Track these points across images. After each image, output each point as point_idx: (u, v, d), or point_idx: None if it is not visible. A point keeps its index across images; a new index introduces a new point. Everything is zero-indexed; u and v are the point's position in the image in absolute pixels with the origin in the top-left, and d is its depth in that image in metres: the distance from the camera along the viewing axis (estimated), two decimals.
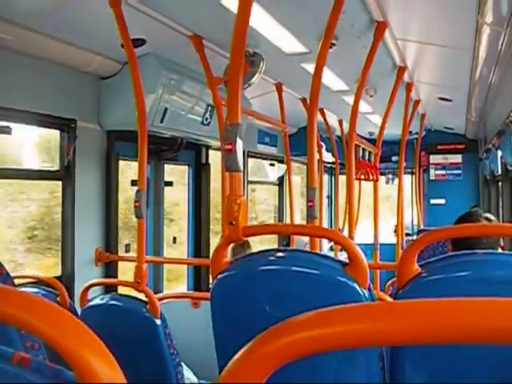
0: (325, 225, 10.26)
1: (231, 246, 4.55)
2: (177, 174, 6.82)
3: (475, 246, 2.31)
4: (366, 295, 1.95)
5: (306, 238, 6.87)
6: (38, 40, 3.93)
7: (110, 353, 0.73)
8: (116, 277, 5.14)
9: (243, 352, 0.70)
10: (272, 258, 2.12)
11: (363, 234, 8.35)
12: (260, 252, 2.21)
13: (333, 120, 8.55)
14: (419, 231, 6.96)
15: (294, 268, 2.04)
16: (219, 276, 2.17)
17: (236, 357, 0.71)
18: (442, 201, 11.16)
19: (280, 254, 2.13)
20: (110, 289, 4.67)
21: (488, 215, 2.83)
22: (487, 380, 1.64)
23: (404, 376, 1.79)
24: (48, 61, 4.23)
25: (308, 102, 4.13)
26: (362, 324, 0.66)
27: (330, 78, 5.84)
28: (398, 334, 0.65)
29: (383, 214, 7.98)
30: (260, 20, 4.00)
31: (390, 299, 4.15)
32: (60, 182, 4.63)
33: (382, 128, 6.32)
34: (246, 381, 0.69)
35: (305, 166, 9.82)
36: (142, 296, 3.38)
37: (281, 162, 8.80)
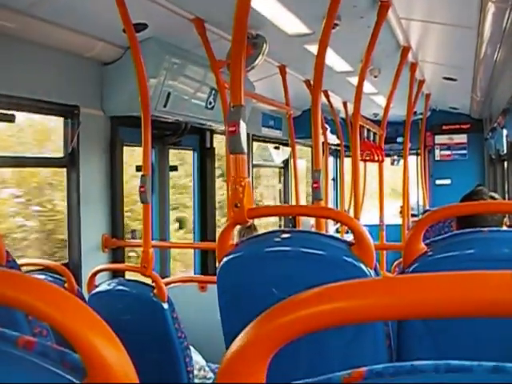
0: (330, 207, 10.25)
1: (238, 228, 4.56)
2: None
3: (480, 224, 2.30)
4: (372, 275, 1.95)
5: (312, 221, 6.87)
6: (39, 26, 3.91)
7: (115, 336, 0.73)
8: (123, 262, 5.16)
9: (248, 329, 0.70)
10: (278, 239, 2.12)
11: (369, 216, 8.35)
12: (265, 233, 2.21)
13: (337, 102, 8.51)
14: (425, 211, 6.95)
15: (300, 249, 2.04)
16: (225, 258, 2.17)
17: (241, 334, 0.70)
18: (448, 181, 11.13)
19: (285, 235, 2.13)
20: (117, 274, 4.69)
21: (492, 194, 2.83)
22: (495, 354, 1.64)
23: (411, 353, 1.79)
24: (50, 47, 4.21)
25: (312, 83, 4.11)
26: (367, 299, 0.66)
27: (333, 59, 5.80)
28: (402, 308, 0.65)
29: (388, 194, 7.96)
30: (262, 1, 3.97)
31: None
32: (64, 169, 4.63)
33: (387, 109, 6.29)
34: (251, 358, 0.69)
35: (309, 149, 9.81)
36: (148, 281, 3.39)
37: (285, 145, 8.78)
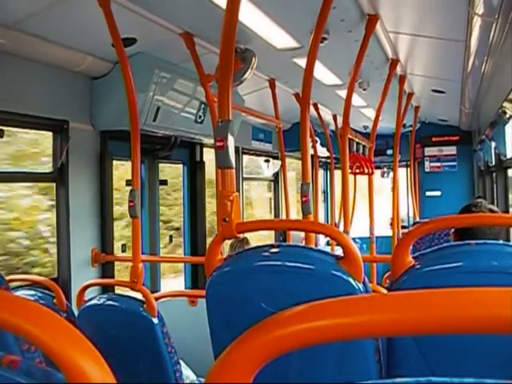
0: (321, 220, 10.26)
1: (230, 242, 4.56)
2: None
3: (477, 237, 2.30)
4: (361, 289, 1.95)
5: (303, 234, 6.87)
6: (28, 41, 3.91)
7: (99, 354, 0.73)
8: (113, 277, 5.14)
9: (234, 344, 0.70)
10: (266, 253, 2.11)
11: (360, 228, 8.35)
12: (254, 248, 2.21)
13: (327, 115, 8.54)
14: (415, 223, 6.97)
15: (288, 263, 2.04)
16: (214, 273, 2.17)
17: (227, 349, 0.70)
18: (438, 193, 11.18)
19: (274, 250, 2.13)
20: (106, 289, 4.67)
21: (491, 206, 2.82)
22: (483, 369, 1.64)
23: (400, 368, 1.79)
24: (39, 62, 4.21)
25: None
26: (354, 316, 0.66)
27: (322, 73, 5.83)
28: (390, 325, 0.65)
29: (378, 207, 7.97)
30: (251, 16, 3.99)
31: (385, 292, 4.15)
32: (54, 184, 4.62)
33: (376, 121, 6.32)
34: (236, 372, 0.69)
35: (300, 162, 9.81)
36: (138, 295, 3.37)
37: (275, 158, 8.79)
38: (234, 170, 2.50)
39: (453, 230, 2.77)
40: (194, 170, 6.63)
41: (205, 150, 6.75)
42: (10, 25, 3.68)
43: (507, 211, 6.59)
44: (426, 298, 0.66)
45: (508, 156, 5.96)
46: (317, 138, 8.72)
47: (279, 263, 2.06)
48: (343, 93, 5.80)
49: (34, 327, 0.71)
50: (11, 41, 3.80)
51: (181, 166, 6.65)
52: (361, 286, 1.95)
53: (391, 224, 7.76)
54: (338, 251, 2.20)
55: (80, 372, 0.69)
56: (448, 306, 0.63)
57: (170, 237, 6.70)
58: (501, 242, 2.06)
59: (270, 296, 1.99)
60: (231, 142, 2.43)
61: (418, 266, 1.80)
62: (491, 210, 2.77)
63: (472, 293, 0.64)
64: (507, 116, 4.97)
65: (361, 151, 7.28)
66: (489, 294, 0.63)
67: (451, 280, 1.73)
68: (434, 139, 11.22)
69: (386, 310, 0.65)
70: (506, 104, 4.63)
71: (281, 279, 2.03)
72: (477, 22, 3.76)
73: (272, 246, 2.17)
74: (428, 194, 11.30)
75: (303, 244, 4.11)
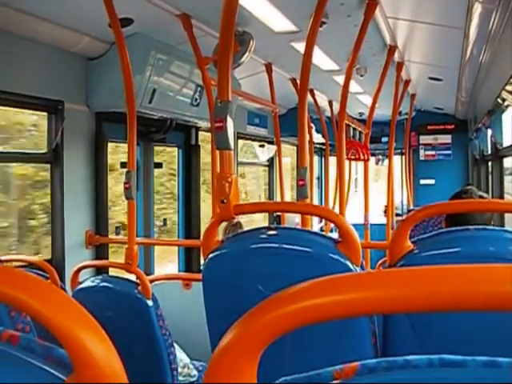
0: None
1: (223, 226, 4.55)
2: None
3: (469, 223, 2.30)
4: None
5: (297, 219, 6.86)
6: (24, 20, 3.87)
7: (102, 329, 0.72)
8: (107, 259, 5.13)
9: (236, 326, 0.69)
10: (263, 236, 2.11)
11: (353, 215, 8.37)
12: (251, 230, 2.20)
13: (323, 101, 8.52)
14: (409, 211, 6.98)
15: (286, 246, 2.03)
16: (210, 255, 2.16)
17: (229, 332, 0.69)
18: (432, 181, 11.21)
19: (271, 232, 2.12)
20: (100, 271, 4.66)
21: (482, 193, 2.83)
22: (479, 349, 1.64)
23: (396, 351, 1.79)
24: (34, 41, 4.17)
25: (298, 82, 4.10)
26: (354, 292, 0.65)
27: (320, 58, 5.80)
28: (387, 302, 0.64)
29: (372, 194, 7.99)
30: None
31: None
32: (48, 165, 4.59)
33: (372, 108, 6.31)
34: (241, 356, 0.68)
35: (294, 148, 9.82)
36: (133, 277, 3.37)
37: (270, 143, 8.78)
38: (232, 152, 2.49)
39: (445, 217, 2.78)
40: (189, 153, 6.60)
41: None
42: (6, 2, 3.63)
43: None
44: (424, 274, 0.65)
45: (504, 145, 5.96)
46: (312, 124, 8.70)
47: (276, 245, 2.05)
48: (340, 78, 5.79)
49: (36, 302, 0.70)
50: (6, 19, 3.76)
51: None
52: (358, 269, 1.95)
53: (385, 211, 7.78)
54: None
55: (84, 349, 0.68)
56: (445, 282, 0.63)
57: (164, 220, 6.69)
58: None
59: (267, 278, 1.98)
60: (230, 123, 2.41)
61: (416, 251, 1.80)
62: (481, 197, 2.78)
63: (468, 269, 0.63)
64: (505, 104, 4.96)
65: (357, 137, 7.28)
66: (489, 270, 0.63)
67: (450, 264, 1.72)
68: (429, 127, 11.23)
69: (388, 286, 0.64)
70: (504, 92, 4.62)
71: (278, 262, 2.03)
72: (477, 9, 3.74)
73: (269, 228, 2.17)
74: (422, 182, 11.33)
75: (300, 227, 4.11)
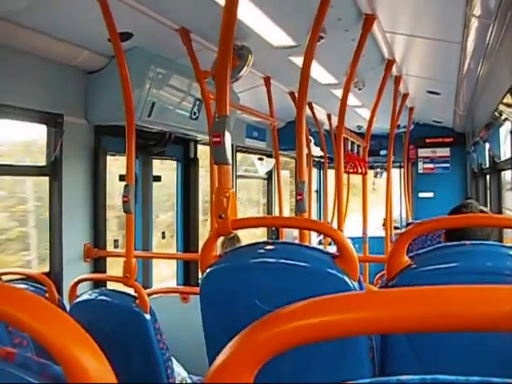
0: (314, 219, 10.26)
1: (220, 240, 4.54)
2: None
3: (469, 238, 2.29)
4: (356, 287, 1.94)
5: (295, 233, 6.86)
6: (24, 34, 3.89)
7: (97, 346, 0.72)
8: (105, 272, 5.12)
9: (235, 342, 0.69)
10: (261, 250, 2.10)
11: (352, 228, 8.37)
12: (249, 245, 2.20)
13: (321, 114, 8.54)
14: (408, 224, 6.98)
15: (283, 261, 2.03)
16: (208, 270, 2.16)
17: (226, 349, 0.69)
18: (431, 194, 11.22)
19: (269, 247, 2.12)
20: (98, 284, 4.65)
21: (482, 207, 2.80)
22: (476, 368, 1.64)
23: (394, 367, 1.79)
24: (34, 55, 4.19)
25: (296, 95, 4.11)
26: (352, 313, 0.65)
27: (318, 72, 5.83)
28: (385, 322, 0.65)
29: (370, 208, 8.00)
30: (248, 13, 3.98)
31: None
32: (47, 178, 4.59)
33: (371, 121, 6.33)
34: (236, 373, 0.68)
35: (293, 161, 9.82)
36: (131, 291, 3.36)
37: (269, 156, 8.79)
38: (230, 167, 2.49)
39: (444, 231, 2.76)
40: (188, 166, 6.61)
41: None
42: (6, 17, 3.65)
43: (500, 214, 6.60)
44: (422, 295, 0.65)
45: (502, 158, 5.97)
46: (311, 138, 8.72)
47: (274, 260, 2.05)
48: (338, 92, 5.80)
49: (32, 319, 0.70)
50: (7, 33, 3.78)
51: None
52: (356, 284, 1.95)
53: (384, 225, 7.77)
54: (330, 251, 2.18)
55: (79, 366, 0.68)
56: (442, 303, 0.63)
57: (163, 233, 6.68)
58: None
59: (265, 293, 1.98)
60: (228, 138, 2.42)
61: (413, 266, 1.80)
62: (482, 211, 2.75)
63: (465, 290, 0.64)
64: (503, 118, 4.97)
65: (355, 151, 7.29)
66: (487, 291, 0.63)
67: (447, 280, 1.71)
68: (427, 140, 11.26)
69: (385, 306, 0.65)
70: (501, 106, 4.64)
71: (276, 277, 2.02)
72: (474, 24, 3.77)
73: (267, 243, 2.16)
74: (421, 195, 11.34)
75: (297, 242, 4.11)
